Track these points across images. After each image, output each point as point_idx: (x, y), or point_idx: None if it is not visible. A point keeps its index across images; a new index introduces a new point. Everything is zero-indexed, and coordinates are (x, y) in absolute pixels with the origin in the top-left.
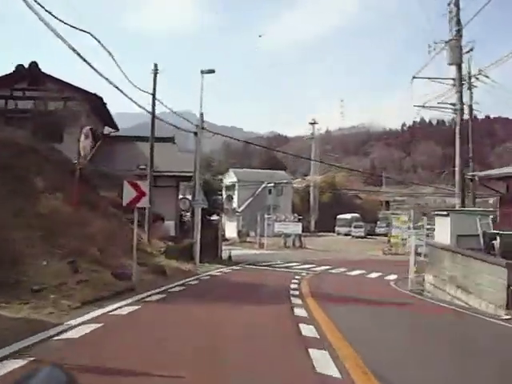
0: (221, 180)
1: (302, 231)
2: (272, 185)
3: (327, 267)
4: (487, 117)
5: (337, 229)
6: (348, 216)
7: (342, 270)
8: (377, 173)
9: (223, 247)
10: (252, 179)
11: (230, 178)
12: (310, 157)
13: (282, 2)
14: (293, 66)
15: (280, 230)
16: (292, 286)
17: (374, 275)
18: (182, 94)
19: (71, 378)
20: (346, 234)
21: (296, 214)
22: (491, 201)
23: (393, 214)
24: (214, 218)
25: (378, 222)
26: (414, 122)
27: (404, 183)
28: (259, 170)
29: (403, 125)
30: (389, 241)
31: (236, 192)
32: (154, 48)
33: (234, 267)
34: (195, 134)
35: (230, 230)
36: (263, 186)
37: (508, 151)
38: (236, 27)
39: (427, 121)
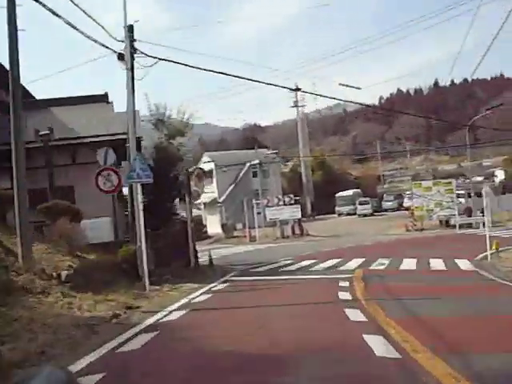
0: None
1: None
2: (257, 162)
3: (360, 260)
4: (465, 80)
5: (337, 209)
6: (349, 192)
7: (386, 261)
8: (360, 149)
9: (207, 247)
10: (232, 162)
11: (205, 164)
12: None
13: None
14: (260, 54)
15: (274, 217)
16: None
17: (438, 263)
18: None
19: (71, 379)
20: (348, 214)
21: (292, 195)
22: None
23: (394, 187)
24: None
25: (385, 196)
26: (390, 94)
27: (392, 156)
28: (238, 151)
29: (380, 98)
30: (412, 214)
31: (214, 179)
32: None
33: (217, 285)
34: (120, 57)
35: (213, 224)
36: (246, 167)
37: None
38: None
39: (404, 91)
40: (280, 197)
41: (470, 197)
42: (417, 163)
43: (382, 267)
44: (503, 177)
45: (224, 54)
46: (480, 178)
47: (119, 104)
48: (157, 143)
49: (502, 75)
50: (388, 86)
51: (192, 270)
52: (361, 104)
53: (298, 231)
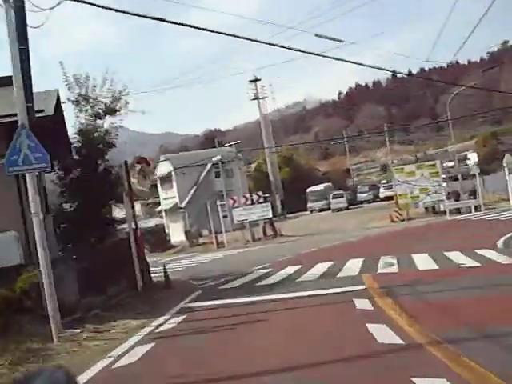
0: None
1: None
2: (218, 158)
3: (358, 261)
4: (422, 69)
5: (309, 205)
6: (321, 187)
7: (392, 259)
8: (323, 144)
9: (169, 258)
10: (192, 163)
11: (163, 167)
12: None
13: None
14: (217, 61)
15: (242, 218)
16: None
17: (459, 257)
18: None
19: (72, 380)
20: (321, 209)
21: (260, 192)
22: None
23: (366, 179)
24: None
25: (359, 188)
26: (350, 88)
27: (356, 150)
28: (198, 151)
29: (339, 93)
30: (397, 203)
31: (174, 183)
32: None
33: (168, 319)
34: None
35: (177, 233)
36: (207, 168)
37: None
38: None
39: (363, 84)
40: (247, 195)
41: (456, 180)
42: (382, 155)
43: (393, 269)
44: (476, 159)
45: None
46: (451, 163)
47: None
48: (80, 127)
49: (457, 62)
50: (346, 82)
51: (139, 295)
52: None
53: (270, 232)
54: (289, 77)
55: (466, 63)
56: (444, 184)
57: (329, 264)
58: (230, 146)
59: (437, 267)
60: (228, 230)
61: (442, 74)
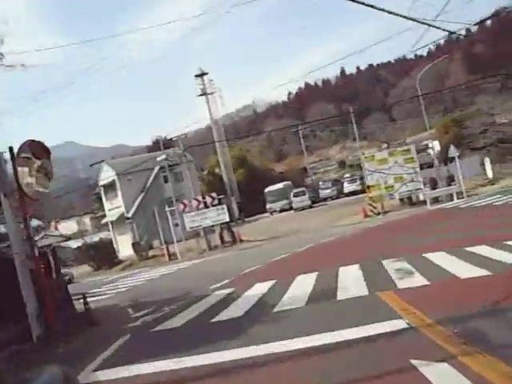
0: None
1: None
2: (163, 158)
3: (354, 270)
4: (371, 65)
5: (269, 206)
6: (280, 186)
7: (404, 264)
8: (275, 147)
9: (113, 276)
10: (137, 168)
11: (105, 175)
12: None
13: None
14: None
15: (195, 225)
16: None
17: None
18: None
19: (72, 380)
20: (282, 210)
21: (214, 194)
22: None
23: (326, 177)
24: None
25: (321, 184)
26: (299, 88)
27: (309, 150)
28: (143, 155)
29: (289, 93)
30: (371, 196)
31: (119, 192)
32: None
33: None
34: None
35: (126, 246)
36: (154, 172)
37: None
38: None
39: (312, 83)
40: (199, 198)
41: (431, 167)
42: (336, 152)
43: (418, 279)
44: (439, 147)
45: None
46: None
47: None
48: None
49: (404, 57)
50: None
51: (35, 349)
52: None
53: (228, 238)
54: (237, 81)
55: (413, 57)
56: (418, 170)
57: (314, 276)
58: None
59: (488, 272)
60: (181, 239)
61: (391, 69)
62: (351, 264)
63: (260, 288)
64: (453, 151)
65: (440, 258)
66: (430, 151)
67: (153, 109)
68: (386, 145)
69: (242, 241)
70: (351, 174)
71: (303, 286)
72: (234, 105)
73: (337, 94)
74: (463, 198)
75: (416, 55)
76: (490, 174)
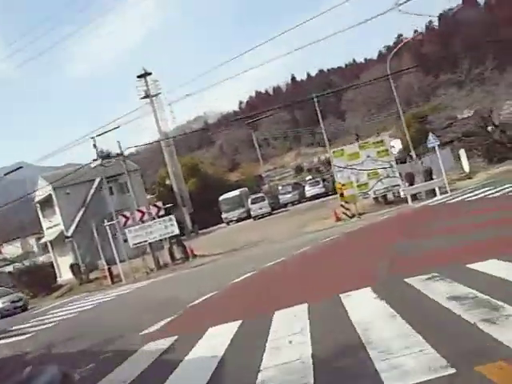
0: None
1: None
2: (97, 163)
3: (375, 299)
4: (321, 71)
5: (225, 216)
6: (236, 193)
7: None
8: (228, 157)
9: (47, 306)
10: (77, 181)
11: (41, 191)
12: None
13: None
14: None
15: (140, 240)
16: None
17: None
18: None
19: (72, 380)
20: (240, 219)
21: (160, 203)
22: None
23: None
24: None
25: (280, 189)
26: (250, 97)
27: (264, 158)
28: (82, 164)
29: (240, 102)
30: (342, 195)
31: (57, 208)
32: None
33: None
34: None
35: (67, 269)
36: (96, 184)
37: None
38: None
39: (263, 92)
40: (143, 209)
41: (402, 163)
42: (291, 159)
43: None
44: (400, 146)
45: None
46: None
47: None
48: None
49: (354, 61)
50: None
51: None
52: None
53: (179, 255)
54: (187, 93)
55: (363, 61)
56: (395, 164)
57: (303, 313)
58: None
59: None
60: (128, 257)
61: (342, 74)
62: (357, 287)
63: (217, 338)
64: (432, 140)
65: (506, 272)
66: (393, 150)
67: (102, 124)
68: (355, 138)
69: (195, 256)
70: (313, 176)
71: (293, 336)
72: (185, 117)
73: (289, 100)
74: (447, 192)
75: (366, 59)
76: (466, 167)
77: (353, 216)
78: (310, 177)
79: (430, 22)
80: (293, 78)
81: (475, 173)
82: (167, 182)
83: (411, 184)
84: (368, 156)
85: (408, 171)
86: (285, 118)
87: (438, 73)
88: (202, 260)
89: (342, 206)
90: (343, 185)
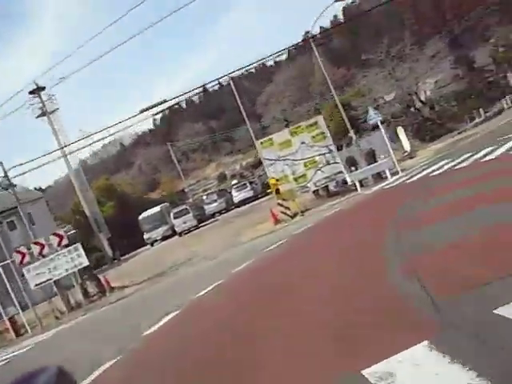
0: None
1: (95, 264)
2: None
3: None
4: (232, 78)
5: (147, 236)
6: (157, 209)
7: None
8: (147, 177)
9: None
10: None
11: None
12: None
13: None
14: None
15: (43, 279)
16: None
17: None
18: None
19: (71, 379)
20: (165, 237)
21: (63, 230)
22: None
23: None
24: None
25: (205, 198)
26: (164, 113)
27: (185, 173)
28: None
29: (154, 119)
30: (277, 192)
31: None
32: None
33: None
34: None
35: None
36: None
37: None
38: None
39: (176, 106)
40: (41, 240)
41: (339, 149)
42: (212, 170)
43: None
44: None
45: None
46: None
47: None
48: None
49: (264, 64)
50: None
51: None
52: None
53: (94, 289)
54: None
55: (273, 64)
56: (334, 149)
57: None
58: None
59: None
60: (26, 304)
61: (254, 78)
62: (398, 349)
63: None
64: (373, 115)
65: None
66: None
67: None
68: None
69: (112, 289)
70: (239, 180)
71: None
72: (100, 142)
73: (203, 111)
74: (397, 173)
75: (275, 61)
76: (407, 146)
77: (294, 215)
78: (235, 181)
79: (335, 16)
80: (204, 89)
81: (415, 152)
82: (81, 208)
83: (355, 169)
84: (302, 142)
85: (349, 155)
86: (201, 129)
87: (349, 66)
88: (121, 293)
89: (279, 204)
90: (277, 180)
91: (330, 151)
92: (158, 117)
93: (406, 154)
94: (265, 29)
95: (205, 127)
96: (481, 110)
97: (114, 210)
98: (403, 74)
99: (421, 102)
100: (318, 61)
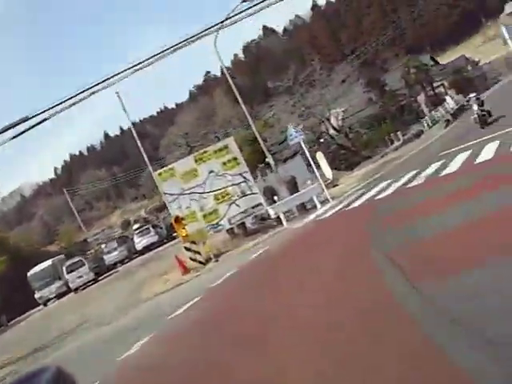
0: None
1: None
2: None
3: None
4: (133, 123)
5: (38, 295)
6: (48, 263)
7: None
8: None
9: None
10: None
11: None
12: None
13: None
14: None
15: None
16: None
17: None
18: None
19: (71, 379)
20: (60, 295)
21: None
22: None
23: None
24: None
25: (104, 247)
26: (65, 161)
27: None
28: None
29: (55, 169)
30: (184, 234)
31: None
32: None
33: None
34: None
35: None
36: None
37: None
38: None
39: (77, 153)
40: None
41: (254, 179)
42: (118, 218)
43: None
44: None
45: None
46: None
47: None
48: None
49: (166, 107)
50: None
51: None
52: None
53: None
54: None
55: (175, 106)
56: (250, 177)
57: None
58: None
59: None
60: None
61: (156, 121)
62: None
63: None
64: (294, 134)
65: None
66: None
67: None
68: (186, 149)
69: None
70: (141, 224)
71: None
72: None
73: (105, 157)
74: (328, 201)
75: (176, 103)
76: (329, 173)
77: (207, 261)
78: (136, 226)
79: (236, 54)
80: (106, 135)
81: (336, 179)
82: None
83: (274, 201)
84: (211, 171)
85: (267, 185)
86: (104, 176)
87: (253, 103)
88: None
89: (186, 249)
90: (183, 218)
91: (246, 180)
92: (59, 165)
93: (329, 181)
94: (165, 70)
95: (108, 173)
96: (399, 133)
97: (6, 267)
98: (314, 101)
99: (334, 129)
100: (221, 100)
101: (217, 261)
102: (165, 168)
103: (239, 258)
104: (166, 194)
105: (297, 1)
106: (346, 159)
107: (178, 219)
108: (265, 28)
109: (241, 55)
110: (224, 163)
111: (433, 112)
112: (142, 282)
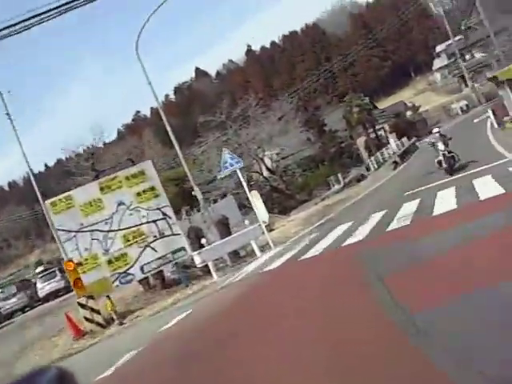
0: None
1: None
2: None
3: None
4: (59, 160)
5: None
6: None
7: None
8: None
9: None
10: None
11: None
12: None
13: None
14: None
15: None
16: None
17: None
18: None
19: (73, 380)
20: None
21: None
22: None
23: None
24: None
25: (0, 292)
26: None
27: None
28: None
29: None
30: (78, 284)
31: None
32: None
33: None
34: None
35: None
36: None
37: None
38: None
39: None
40: None
41: (179, 218)
42: (36, 258)
43: None
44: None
45: None
46: None
47: None
48: None
49: (93, 145)
50: None
51: None
52: None
53: None
54: None
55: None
56: (171, 212)
57: None
58: None
59: None
60: None
61: (96, 157)
62: None
63: None
64: (230, 161)
65: None
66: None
67: None
68: (92, 175)
69: None
70: (46, 267)
71: None
72: None
73: (27, 195)
74: (270, 248)
75: (104, 143)
76: (265, 216)
77: (108, 323)
78: (41, 268)
79: (167, 95)
80: (30, 170)
81: (273, 223)
82: None
83: (201, 246)
84: (121, 203)
85: (192, 225)
86: (24, 213)
87: (182, 143)
88: None
89: (81, 305)
90: (79, 264)
91: (166, 217)
92: None
93: (266, 225)
94: (94, 107)
95: (29, 211)
96: (339, 175)
97: None
98: (248, 138)
99: (268, 170)
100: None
101: (121, 324)
102: (60, 196)
103: (153, 321)
104: (59, 229)
105: (231, 45)
106: (279, 203)
107: (70, 264)
108: (197, 70)
109: (172, 96)
110: (138, 194)
111: (377, 154)
112: (30, 344)
